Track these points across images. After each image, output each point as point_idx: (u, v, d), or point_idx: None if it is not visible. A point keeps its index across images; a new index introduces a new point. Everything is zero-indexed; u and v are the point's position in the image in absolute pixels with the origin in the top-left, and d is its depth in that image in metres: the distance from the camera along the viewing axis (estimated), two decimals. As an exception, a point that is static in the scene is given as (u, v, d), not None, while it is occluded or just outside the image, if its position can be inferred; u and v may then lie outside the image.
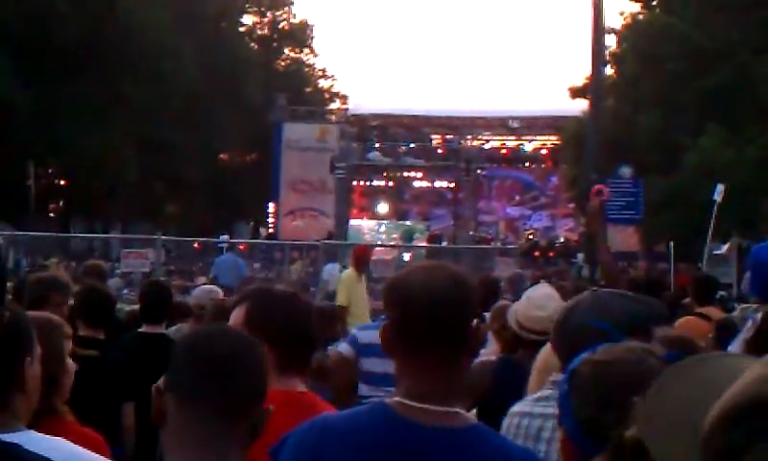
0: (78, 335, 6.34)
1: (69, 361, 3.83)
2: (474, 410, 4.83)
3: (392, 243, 42.53)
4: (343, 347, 8.17)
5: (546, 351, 4.08)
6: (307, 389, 3.41)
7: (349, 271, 14.56)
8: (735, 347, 6.62)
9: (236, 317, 3.26)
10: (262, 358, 2.49)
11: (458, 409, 2.55)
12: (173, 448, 2.40)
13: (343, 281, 14.43)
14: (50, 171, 47.50)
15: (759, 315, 4.41)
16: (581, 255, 25.60)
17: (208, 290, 9.16)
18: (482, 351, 6.31)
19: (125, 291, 19.55)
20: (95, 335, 6.56)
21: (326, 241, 28.84)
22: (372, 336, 8.11)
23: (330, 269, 21.22)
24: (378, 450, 2.48)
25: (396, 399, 2.55)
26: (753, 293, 8.10)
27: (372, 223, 50.43)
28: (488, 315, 6.94)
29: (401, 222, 51.75)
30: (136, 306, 8.57)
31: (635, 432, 2.09)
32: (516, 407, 3.54)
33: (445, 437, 2.48)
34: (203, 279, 20.98)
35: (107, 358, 6.40)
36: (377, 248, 31.54)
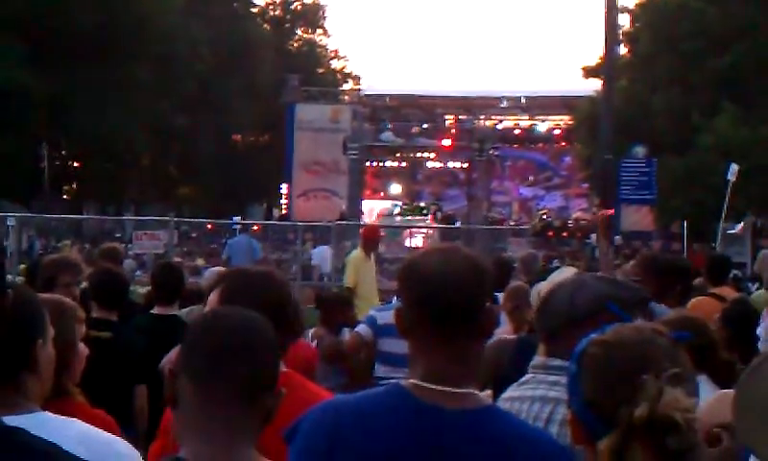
0: (91, 317, 6.35)
1: (81, 345, 3.82)
2: (489, 390, 4.80)
3: (404, 224, 42.47)
4: (361, 327, 8.17)
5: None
6: (288, 368, 3.37)
7: (357, 251, 14.40)
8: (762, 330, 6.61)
9: (212, 299, 3.23)
10: (274, 341, 2.48)
11: (473, 390, 2.54)
12: (187, 430, 2.39)
13: (351, 262, 14.22)
14: (63, 153, 47.66)
15: None
16: (594, 236, 25.53)
17: (219, 272, 9.15)
18: (496, 331, 6.29)
19: (138, 272, 19.57)
20: (108, 317, 6.56)
21: (339, 222, 28.80)
22: (391, 316, 8.07)
23: (319, 252, 21.04)
24: (394, 433, 2.48)
25: (412, 381, 2.55)
26: None
27: (389, 204, 50.43)
28: (501, 296, 6.91)
29: (415, 203, 51.75)
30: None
31: (644, 410, 2.08)
32: (508, 393, 3.52)
33: (460, 419, 2.48)
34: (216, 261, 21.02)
35: (120, 340, 6.41)
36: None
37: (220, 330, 2.42)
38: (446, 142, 49.97)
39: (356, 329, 8.24)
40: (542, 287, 5.55)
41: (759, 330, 6.61)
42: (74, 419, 2.82)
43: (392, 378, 7.88)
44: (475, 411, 2.51)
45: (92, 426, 2.84)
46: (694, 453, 2.08)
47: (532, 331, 5.59)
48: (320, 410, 2.61)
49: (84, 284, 6.87)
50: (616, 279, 3.48)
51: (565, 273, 5.81)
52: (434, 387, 2.50)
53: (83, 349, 3.81)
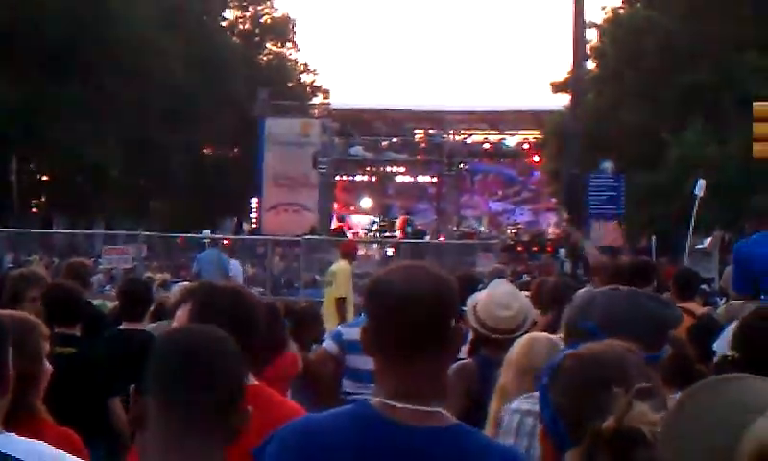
0: (54, 333, 6.33)
1: (45, 362, 3.81)
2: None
3: (376, 239, 42.49)
4: (327, 343, 8.17)
5: (525, 349, 4.08)
6: (261, 382, 3.40)
7: (344, 263, 14.83)
8: (722, 345, 6.64)
9: (181, 316, 3.23)
10: (239, 359, 2.48)
11: (439, 409, 2.54)
12: (152, 451, 2.38)
13: (341, 273, 14.61)
14: (32, 167, 47.38)
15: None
16: (563, 250, 25.65)
17: (186, 287, 9.06)
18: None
19: (107, 287, 19.51)
20: (71, 332, 6.53)
21: (309, 236, 28.81)
22: (357, 332, 8.11)
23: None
24: (361, 451, 2.48)
25: (378, 399, 2.55)
26: (735, 289, 8.12)
27: (365, 219, 50.50)
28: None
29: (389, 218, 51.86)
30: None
31: (611, 422, 2.09)
32: (516, 405, 3.56)
33: (427, 437, 2.48)
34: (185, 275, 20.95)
35: (84, 355, 6.39)
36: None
37: (183, 349, 2.41)
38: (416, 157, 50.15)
39: (323, 345, 8.24)
40: (478, 297, 5.57)
41: (716, 345, 6.65)
42: (39, 441, 2.78)
43: (359, 394, 7.93)
44: (443, 429, 2.51)
45: (57, 450, 2.79)
46: None
47: (474, 350, 5.58)
48: (288, 431, 2.61)
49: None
50: (661, 298, 3.48)
51: (502, 287, 5.87)
52: (401, 405, 2.50)
53: (47, 366, 3.79)
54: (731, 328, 6.42)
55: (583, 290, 3.95)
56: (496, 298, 5.47)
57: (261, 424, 2.69)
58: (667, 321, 3.24)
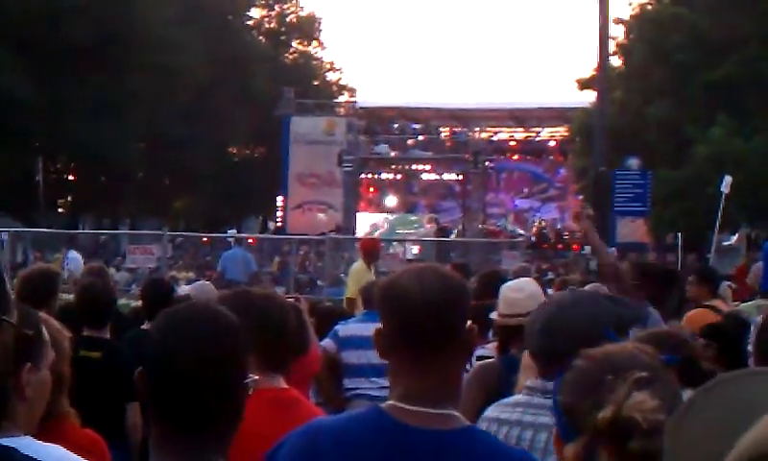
0: (82, 336, 6.34)
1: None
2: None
3: (400, 237, 42.46)
4: (326, 342, 8.25)
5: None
6: (290, 386, 3.47)
7: (359, 263, 14.69)
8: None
9: None
10: (241, 342, 2.45)
11: (452, 411, 2.54)
12: (157, 446, 2.39)
13: (352, 274, 14.53)
14: (58, 166, 47.64)
15: (760, 317, 4.37)
16: (589, 248, 25.54)
17: (200, 286, 8.99)
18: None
19: (132, 286, 19.60)
20: (99, 335, 6.53)
21: (333, 235, 28.83)
22: (353, 329, 8.25)
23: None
24: (370, 453, 2.49)
25: (391, 402, 2.56)
26: (764, 287, 8.08)
27: (381, 217, 50.49)
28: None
29: (407, 215, 51.81)
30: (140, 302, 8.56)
31: (607, 413, 2.05)
32: (490, 412, 3.51)
33: (438, 440, 2.48)
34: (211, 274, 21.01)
35: (110, 358, 6.39)
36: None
37: (183, 346, 2.38)
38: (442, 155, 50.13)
39: (321, 344, 8.34)
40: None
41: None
42: (55, 445, 2.79)
43: (360, 389, 8.01)
44: (454, 432, 2.52)
45: (72, 454, 2.80)
46: (658, 458, 2.06)
47: (503, 347, 5.57)
48: (300, 433, 2.63)
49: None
50: (617, 298, 3.47)
51: (517, 280, 5.89)
52: (413, 408, 2.51)
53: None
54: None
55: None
56: (510, 284, 5.51)
57: (282, 429, 2.73)
58: (622, 320, 3.21)
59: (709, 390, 1.43)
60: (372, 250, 14.88)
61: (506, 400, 3.44)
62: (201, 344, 2.36)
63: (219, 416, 2.36)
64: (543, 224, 48.77)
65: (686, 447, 1.38)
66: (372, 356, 8.04)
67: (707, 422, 1.38)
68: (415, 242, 36.26)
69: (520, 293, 5.33)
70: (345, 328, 8.24)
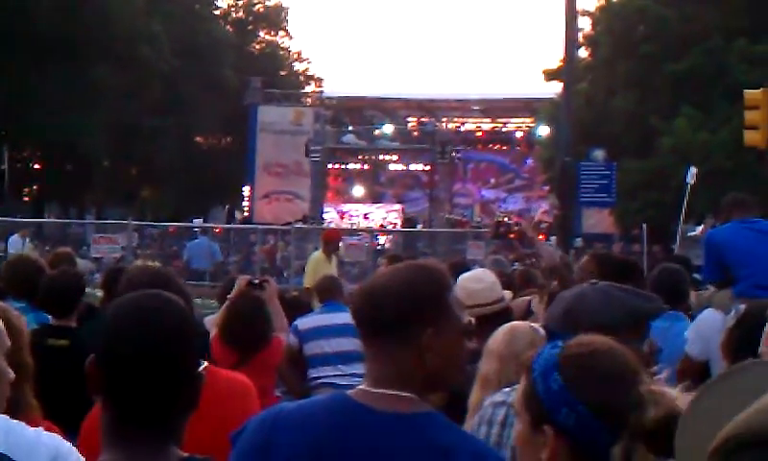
0: (49, 324, 6.30)
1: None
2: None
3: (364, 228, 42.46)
4: (288, 338, 8.30)
5: (507, 337, 4.07)
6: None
7: (318, 253, 14.93)
8: (692, 334, 6.67)
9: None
10: (192, 330, 2.47)
11: (412, 396, 2.59)
12: (107, 435, 2.39)
13: (310, 263, 14.82)
14: (24, 155, 47.31)
15: (742, 307, 4.42)
16: (554, 238, 25.65)
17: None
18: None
19: (96, 275, 19.48)
20: (68, 323, 6.44)
21: (299, 225, 28.82)
22: (312, 321, 8.33)
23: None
24: (324, 429, 2.57)
25: (360, 387, 2.66)
26: (706, 277, 8.17)
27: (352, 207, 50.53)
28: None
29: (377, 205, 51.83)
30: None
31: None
32: (498, 397, 3.57)
33: (392, 421, 2.55)
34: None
35: (79, 348, 6.32)
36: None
37: (131, 334, 2.37)
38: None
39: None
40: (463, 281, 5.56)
41: (686, 333, 6.69)
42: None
43: (324, 378, 8.12)
44: (414, 415, 2.57)
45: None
46: None
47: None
48: (262, 416, 2.74)
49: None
50: (636, 291, 3.49)
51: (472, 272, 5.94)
52: (374, 390, 2.60)
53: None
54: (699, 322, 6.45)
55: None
56: (469, 275, 5.55)
57: (243, 413, 2.80)
58: (645, 312, 3.26)
59: (713, 384, 1.46)
60: (331, 240, 15.17)
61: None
62: (149, 331, 2.35)
63: (170, 404, 2.36)
64: (501, 217, 48.81)
65: (696, 442, 1.40)
66: (336, 344, 8.13)
67: (709, 413, 1.41)
68: (381, 233, 36.28)
69: (479, 283, 5.37)
70: (304, 322, 8.31)
